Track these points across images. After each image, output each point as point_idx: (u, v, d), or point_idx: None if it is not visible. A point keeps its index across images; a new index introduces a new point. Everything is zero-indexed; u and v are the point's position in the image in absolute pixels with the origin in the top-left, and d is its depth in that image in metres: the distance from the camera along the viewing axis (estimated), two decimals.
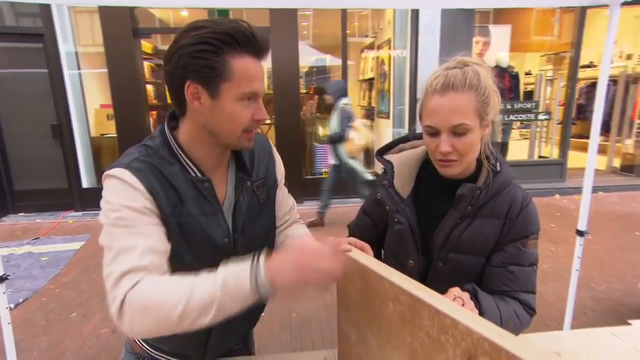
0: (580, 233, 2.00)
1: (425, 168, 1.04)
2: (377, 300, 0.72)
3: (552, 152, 6.20)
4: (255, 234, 0.96)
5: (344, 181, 4.55)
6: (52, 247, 4.04)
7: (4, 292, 1.73)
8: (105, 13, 4.76)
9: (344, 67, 5.48)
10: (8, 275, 1.76)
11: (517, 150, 6.29)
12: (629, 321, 1.27)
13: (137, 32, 5.01)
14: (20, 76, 4.95)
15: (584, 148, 7.18)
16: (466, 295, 0.77)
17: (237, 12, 4.86)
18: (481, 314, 0.80)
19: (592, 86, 7.72)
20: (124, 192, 0.78)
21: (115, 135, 5.17)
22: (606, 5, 1.85)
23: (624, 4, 1.81)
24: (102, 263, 0.78)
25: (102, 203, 0.80)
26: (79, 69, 5.14)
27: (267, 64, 4.68)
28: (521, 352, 0.46)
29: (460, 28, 5.25)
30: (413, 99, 5.45)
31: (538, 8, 5.91)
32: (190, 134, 0.86)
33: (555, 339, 1.21)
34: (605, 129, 6.38)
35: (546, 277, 3.14)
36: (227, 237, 0.90)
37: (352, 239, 0.84)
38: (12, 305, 2.85)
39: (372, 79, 6.82)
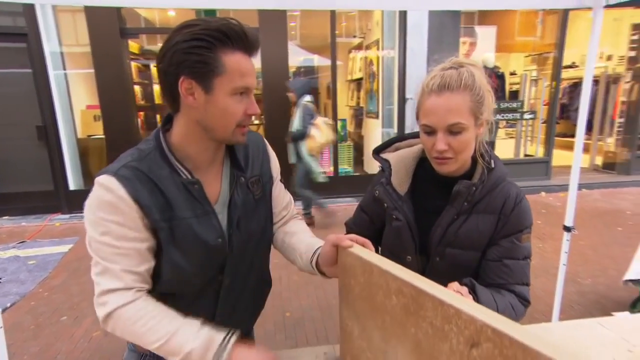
0: (567, 229, 2.06)
1: (422, 166, 1.06)
2: (380, 294, 0.74)
3: (537, 150, 6.34)
4: (252, 230, 0.98)
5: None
6: (40, 251, 3.97)
7: None
8: (92, 13, 4.70)
9: (333, 67, 5.50)
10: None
11: (504, 148, 6.43)
12: (613, 313, 1.33)
13: (125, 32, 4.95)
14: (4, 76, 4.84)
15: (567, 146, 7.39)
16: (465, 290, 0.80)
17: (224, 13, 4.84)
18: None
19: (574, 86, 7.92)
20: (109, 206, 0.81)
21: (102, 136, 5.10)
22: (590, 8, 1.91)
23: (606, 6, 1.88)
24: (91, 264, 0.86)
25: (87, 211, 0.83)
26: (64, 69, 5.06)
27: (256, 63, 4.68)
28: (522, 337, 0.48)
29: (448, 29, 5.33)
30: (402, 99, 5.51)
31: (522, 10, 6.04)
32: (184, 131, 0.88)
33: (545, 330, 1.25)
34: (588, 127, 6.54)
35: (534, 272, 3.18)
36: (220, 238, 0.91)
37: (353, 235, 0.86)
38: None
39: (361, 79, 6.87)
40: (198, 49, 0.77)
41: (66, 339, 2.52)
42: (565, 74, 6.66)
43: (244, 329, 1.16)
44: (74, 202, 5.06)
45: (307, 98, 4.24)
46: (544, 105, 6.30)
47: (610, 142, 6.68)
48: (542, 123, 6.33)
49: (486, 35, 5.91)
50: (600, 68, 6.78)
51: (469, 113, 0.87)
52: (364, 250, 0.81)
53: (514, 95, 6.69)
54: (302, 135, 4.20)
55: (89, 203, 0.83)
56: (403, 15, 5.24)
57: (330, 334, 2.51)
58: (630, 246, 3.22)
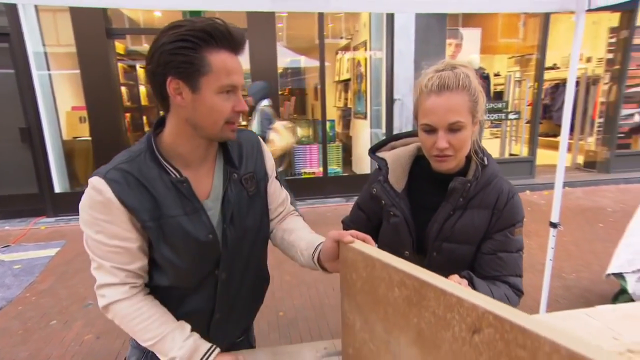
0: (554, 225, 2.13)
1: (418, 164, 1.10)
2: (382, 287, 0.77)
3: (521, 150, 6.48)
4: (247, 226, 1.00)
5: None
6: (25, 255, 3.90)
7: None
8: (77, 13, 4.63)
9: (322, 68, 5.53)
10: None
11: (489, 148, 6.35)
12: (596, 307, 1.39)
13: (111, 33, 4.89)
14: None
15: (550, 146, 7.58)
16: (464, 281, 0.84)
17: (211, 15, 4.82)
18: None
19: (556, 87, 8.13)
20: (99, 206, 0.85)
21: (88, 138, 5.03)
22: (572, 12, 1.98)
23: (588, 10, 1.95)
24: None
25: (81, 210, 0.87)
26: (48, 69, 4.96)
27: (245, 64, 4.67)
28: (522, 321, 0.52)
29: (434, 31, 5.42)
30: (390, 100, 5.57)
31: (505, 12, 6.17)
32: (175, 130, 0.90)
33: None
34: (570, 127, 6.72)
35: None
36: (211, 234, 0.93)
37: (354, 232, 0.88)
38: None
39: (348, 80, 6.92)
40: (183, 49, 0.79)
41: (56, 343, 2.48)
42: (547, 75, 6.82)
43: (243, 324, 1.18)
44: (60, 205, 4.97)
45: (265, 102, 4.19)
46: (528, 105, 6.44)
47: (591, 142, 6.87)
48: (526, 123, 6.48)
49: (471, 37, 6.02)
50: (581, 70, 6.98)
51: (467, 112, 0.91)
52: (365, 246, 0.84)
53: (499, 96, 6.83)
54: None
55: (82, 203, 0.87)
56: (390, 17, 5.31)
57: (323, 332, 2.53)
58: (611, 241, 3.33)
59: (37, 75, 4.81)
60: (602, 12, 6.16)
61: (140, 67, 7.19)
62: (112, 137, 4.94)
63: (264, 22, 5.00)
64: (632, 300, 2.34)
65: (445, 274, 0.89)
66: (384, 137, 5.42)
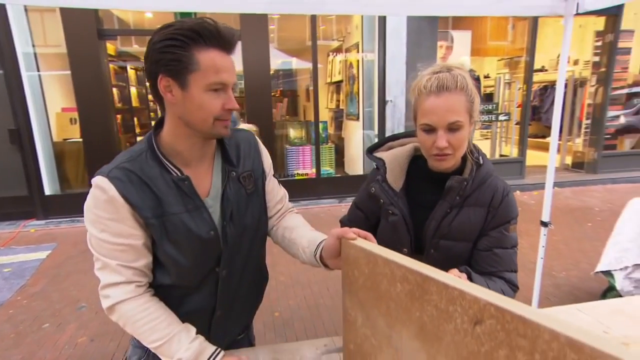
0: (544, 224, 2.18)
1: (415, 163, 1.13)
2: (384, 283, 0.79)
3: (511, 151, 6.58)
4: (246, 223, 1.02)
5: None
6: (15, 258, 3.84)
7: None
8: (67, 14, 4.59)
9: (315, 69, 5.56)
10: None
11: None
12: (587, 302, 1.43)
13: (102, 34, 4.86)
14: None
15: (539, 147, 7.70)
16: (464, 276, 0.87)
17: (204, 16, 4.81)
18: None
19: (544, 89, 8.27)
20: (104, 205, 0.86)
21: (79, 139, 4.98)
22: (561, 16, 2.04)
23: (576, 14, 2.01)
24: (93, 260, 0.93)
25: (86, 210, 0.89)
26: (38, 70, 4.91)
27: (238, 66, 4.68)
28: (523, 312, 0.54)
29: (425, 33, 5.48)
30: (382, 101, 5.62)
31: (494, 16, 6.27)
32: (172, 128, 0.92)
33: None
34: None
35: None
36: (212, 230, 0.95)
37: (356, 229, 0.90)
38: None
39: (340, 81, 6.95)
40: (172, 47, 0.82)
41: (50, 346, 2.46)
42: (536, 77, 6.94)
43: (243, 322, 1.20)
44: (50, 208, 4.91)
45: None
46: (517, 107, 6.55)
47: (579, 143, 7.00)
48: (516, 124, 6.58)
49: (461, 39, 6.10)
50: (568, 72, 7.10)
51: (465, 112, 0.94)
52: (367, 243, 0.86)
53: (489, 97, 6.93)
54: None
55: (87, 203, 0.89)
56: (382, 19, 5.36)
57: (319, 332, 2.55)
58: (599, 240, 3.41)
59: (27, 76, 4.75)
60: (588, 16, 6.29)
61: (131, 68, 7.15)
62: (104, 139, 4.90)
63: (256, 23, 5.00)
64: (620, 296, 2.40)
65: (443, 270, 0.91)
66: (376, 139, 5.49)
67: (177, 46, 0.82)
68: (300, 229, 1.10)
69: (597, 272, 2.61)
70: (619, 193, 5.68)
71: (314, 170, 5.83)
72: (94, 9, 4.54)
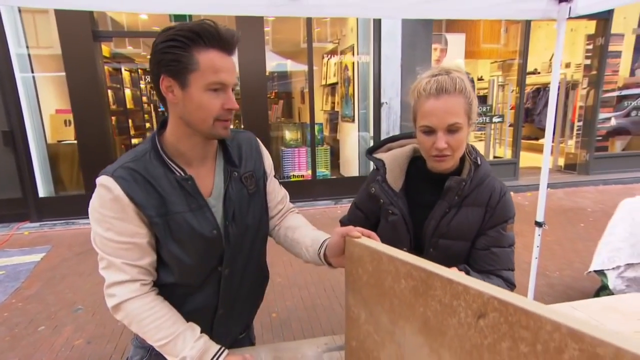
0: (539, 224, 2.21)
1: (414, 164, 1.15)
2: (388, 279, 0.81)
3: (505, 152, 6.65)
4: (247, 223, 1.03)
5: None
6: (9, 261, 3.81)
7: None
8: (62, 15, 4.57)
9: (310, 72, 5.58)
10: None
11: None
12: (581, 300, 1.46)
13: (98, 35, 4.84)
14: None
15: (531, 149, 7.79)
16: (463, 273, 0.88)
17: (196, 19, 4.82)
18: None
19: (537, 91, 8.37)
20: (109, 204, 0.87)
21: (74, 141, 4.95)
22: (554, 19, 2.08)
23: (569, 18, 2.05)
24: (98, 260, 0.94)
25: (91, 209, 0.90)
26: (32, 72, 4.88)
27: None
28: (525, 304, 0.56)
29: (420, 36, 5.53)
30: (377, 103, 5.65)
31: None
32: (174, 128, 0.94)
33: None
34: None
35: None
36: (215, 230, 0.96)
37: (359, 228, 0.92)
38: None
39: (335, 83, 6.99)
40: (172, 48, 0.84)
41: (46, 349, 2.44)
42: (528, 79, 7.03)
43: (245, 320, 1.21)
44: (44, 210, 4.87)
45: None
46: (511, 109, 6.62)
47: (571, 144, 7.09)
48: (509, 126, 6.66)
49: (455, 42, 6.16)
50: (560, 74, 7.20)
51: (464, 114, 0.96)
52: (370, 241, 0.88)
53: (482, 100, 7.01)
54: None
55: (92, 202, 0.89)
56: (378, 22, 5.40)
57: (316, 332, 2.56)
58: (592, 240, 3.46)
59: (20, 77, 4.72)
60: (579, 20, 6.40)
61: (125, 70, 7.12)
62: (99, 141, 4.88)
63: (252, 25, 5.02)
64: (612, 295, 2.45)
65: None
66: (371, 140, 5.48)
67: (177, 47, 0.84)
68: (302, 228, 1.12)
69: (590, 272, 2.66)
70: (610, 194, 5.76)
71: (309, 171, 5.85)
72: (89, 10, 4.52)
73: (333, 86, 7.18)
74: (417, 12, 2.16)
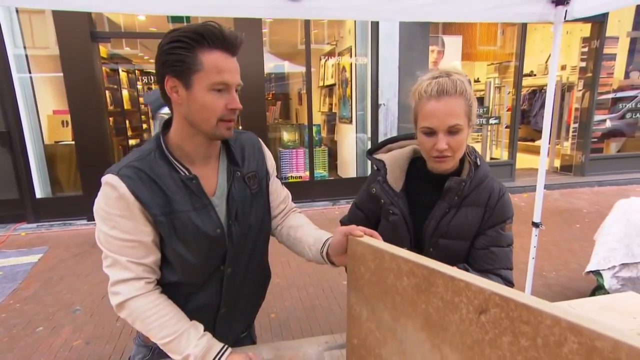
0: (536, 225, 2.24)
1: (414, 165, 1.16)
2: (391, 277, 0.82)
3: (502, 154, 6.69)
4: (250, 223, 1.05)
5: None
6: (6, 262, 3.79)
7: None
8: (60, 16, 4.55)
9: (308, 73, 5.60)
10: None
11: None
12: (578, 299, 1.48)
13: (95, 36, 4.84)
14: None
15: (528, 150, 7.84)
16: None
17: (194, 20, 4.83)
18: None
19: (533, 93, 8.42)
20: (115, 202, 0.88)
21: (71, 142, 4.93)
22: (550, 22, 2.11)
23: (565, 21, 2.08)
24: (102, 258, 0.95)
25: (96, 207, 0.91)
26: (29, 72, 4.87)
27: None
28: (526, 300, 0.58)
29: (418, 38, 5.57)
30: (375, 105, 5.67)
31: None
32: (179, 128, 0.95)
33: None
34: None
35: None
36: (219, 229, 0.97)
37: (362, 227, 0.94)
38: None
39: (333, 85, 7.01)
40: (177, 49, 0.86)
41: (44, 349, 2.44)
42: (524, 82, 7.08)
43: (247, 319, 1.23)
44: (42, 211, 4.85)
45: (165, 110, 4.15)
46: (507, 111, 6.67)
47: (567, 146, 7.14)
48: (506, 128, 6.70)
49: (452, 44, 6.20)
50: (556, 77, 7.26)
51: (464, 115, 0.98)
52: (373, 239, 0.89)
53: (479, 101, 7.05)
54: None
55: (98, 201, 0.91)
56: (375, 24, 5.43)
57: (315, 332, 2.57)
58: (588, 241, 3.49)
59: (18, 78, 4.70)
60: (574, 23, 6.45)
61: (123, 71, 7.12)
62: (96, 142, 4.86)
63: (250, 27, 5.03)
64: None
65: None
66: (369, 142, 5.48)
67: (182, 47, 0.85)
68: (305, 227, 1.13)
69: (587, 272, 2.68)
70: (605, 195, 5.81)
71: (307, 173, 5.86)
72: (87, 11, 4.51)
73: (331, 87, 7.20)
74: (416, 15, 2.18)
